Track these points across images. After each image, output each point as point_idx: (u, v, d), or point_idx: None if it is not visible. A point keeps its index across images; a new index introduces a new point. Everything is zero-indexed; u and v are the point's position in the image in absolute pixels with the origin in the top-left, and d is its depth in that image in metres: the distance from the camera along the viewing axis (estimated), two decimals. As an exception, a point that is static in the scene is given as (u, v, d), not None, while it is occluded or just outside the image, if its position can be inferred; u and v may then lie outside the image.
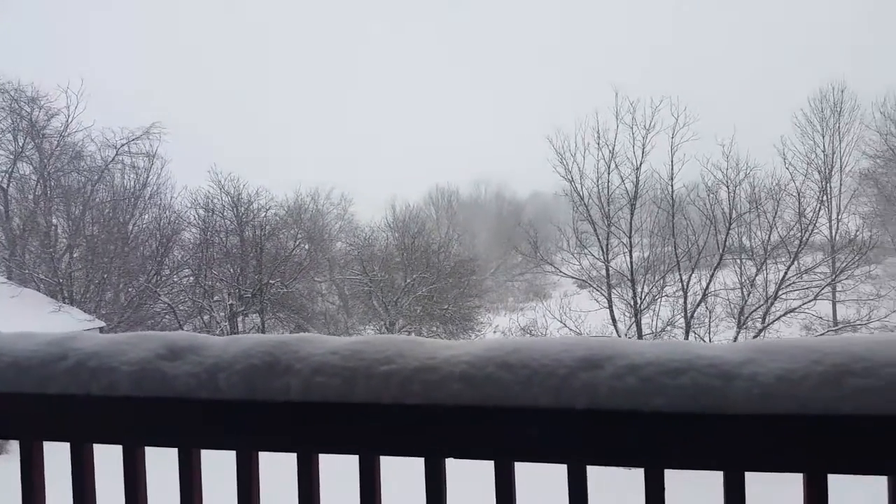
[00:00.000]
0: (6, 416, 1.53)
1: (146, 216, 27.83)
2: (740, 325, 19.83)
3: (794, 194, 21.42)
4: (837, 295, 21.82)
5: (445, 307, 27.89)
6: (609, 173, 21.97)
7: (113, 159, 27.47)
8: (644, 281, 21.18)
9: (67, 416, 1.48)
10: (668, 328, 20.31)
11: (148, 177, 28.03)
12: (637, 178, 21.73)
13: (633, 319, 20.68)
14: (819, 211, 21.98)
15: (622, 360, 1.21)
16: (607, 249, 21.67)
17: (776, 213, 21.25)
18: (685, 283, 20.61)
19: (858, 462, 1.13)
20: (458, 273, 29.71)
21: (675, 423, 1.16)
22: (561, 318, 21.17)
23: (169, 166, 28.68)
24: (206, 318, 25.27)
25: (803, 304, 19.95)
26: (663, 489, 1.21)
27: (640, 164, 21.70)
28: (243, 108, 77.63)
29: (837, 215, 25.56)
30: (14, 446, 10.34)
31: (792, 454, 1.14)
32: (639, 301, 20.80)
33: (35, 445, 1.54)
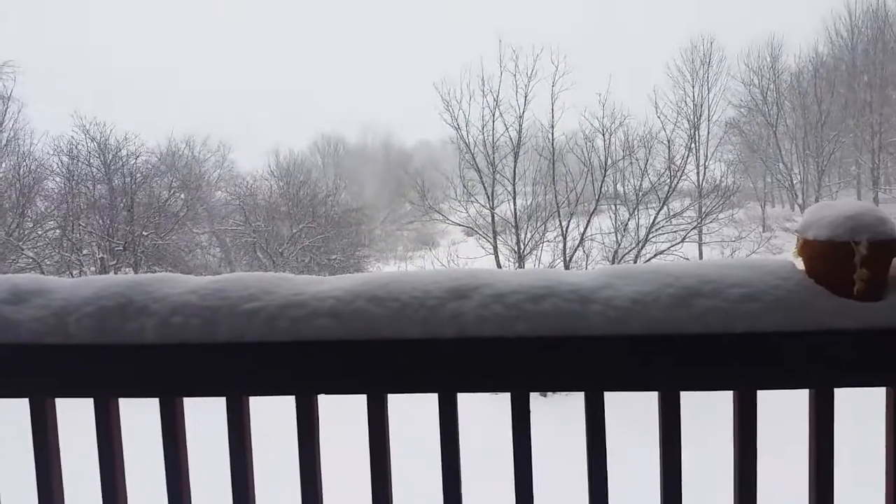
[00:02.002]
0: None
1: (3, 164, 25.39)
2: (615, 268, 20.84)
3: (665, 142, 22.58)
4: (703, 237, 23.39)
5: (334, 257, 27.58)
6: (494, 121, 22.26)
7: (-42, 101, 24.82)
8: (527, 227, 21.77)
9: None
10: (550, 272, 20.99)
11: (3, 121, 25.54)
12: (520, 126, 22.15)
13: (517, 265, 21.30)
14: (687, 158, 23.29)
15: (488, 289, 1.23)
16: (493, 197, 22.06)
17: (648, 161, 22.28)
18: (564, 229, 21.35)
19: (706, 378, 1.20)
20: (347, 222, 29.38)
21: (539, 347, 1.19)
22: (448, 265, 21.48)
23: (27, 111, 26.24)
24: (75, 273, 23.70)
25: (671, 246, 21.20)
26: (529, 411, 1.25)
27: (523, 112, 22.12)
28: (106, 54, 72.13)
29: (704, 162, 27.09)
30: None
31: (646, 373, 1.20)
32: (522, 247, 21.41)
33: None
